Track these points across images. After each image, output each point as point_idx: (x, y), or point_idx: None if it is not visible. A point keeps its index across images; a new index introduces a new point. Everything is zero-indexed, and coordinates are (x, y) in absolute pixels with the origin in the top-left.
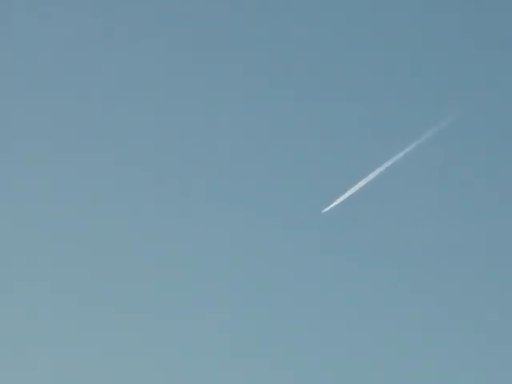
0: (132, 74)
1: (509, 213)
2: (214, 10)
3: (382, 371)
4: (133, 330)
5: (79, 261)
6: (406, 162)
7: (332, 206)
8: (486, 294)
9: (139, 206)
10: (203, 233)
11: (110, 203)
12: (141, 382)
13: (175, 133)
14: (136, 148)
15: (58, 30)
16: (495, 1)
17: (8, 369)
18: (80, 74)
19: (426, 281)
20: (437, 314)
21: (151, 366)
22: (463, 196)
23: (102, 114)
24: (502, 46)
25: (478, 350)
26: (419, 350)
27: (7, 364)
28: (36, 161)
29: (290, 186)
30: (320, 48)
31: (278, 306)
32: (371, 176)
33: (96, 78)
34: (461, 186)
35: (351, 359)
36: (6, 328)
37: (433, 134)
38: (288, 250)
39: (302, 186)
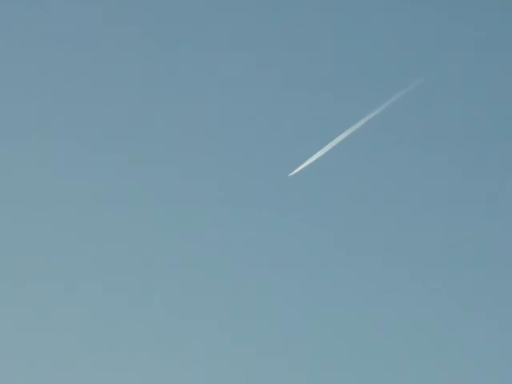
0: (133, 73)
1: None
2: (214, 10)
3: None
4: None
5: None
6: (371, 126)
7: (298, 169)
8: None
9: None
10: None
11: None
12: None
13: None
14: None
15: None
16: None
17: None
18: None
19: (400, 239)
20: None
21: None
22: (431, 157)
23: (103, 113)
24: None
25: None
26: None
27: None
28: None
29: (257, 149)
30: None
31: (245, 267)
32: (337, 140)
33: (96, 78)
34: (428, 147)
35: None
36: None
37: (400, 96)
38: (254, 213)
39: (268, 150)
